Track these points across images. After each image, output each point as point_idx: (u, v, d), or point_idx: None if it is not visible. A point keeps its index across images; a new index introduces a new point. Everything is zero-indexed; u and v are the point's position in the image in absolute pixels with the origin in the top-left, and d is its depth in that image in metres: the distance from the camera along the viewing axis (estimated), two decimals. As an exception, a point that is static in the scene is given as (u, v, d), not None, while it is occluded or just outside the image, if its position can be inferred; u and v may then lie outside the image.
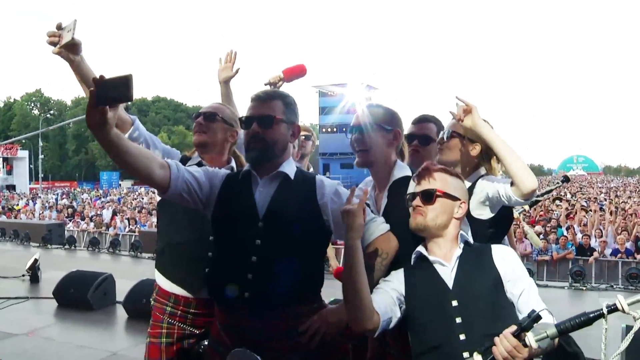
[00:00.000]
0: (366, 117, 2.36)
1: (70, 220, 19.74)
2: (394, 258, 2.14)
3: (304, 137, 3.81)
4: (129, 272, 9.83)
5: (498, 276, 1.93)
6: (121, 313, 6.99)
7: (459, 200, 2.05)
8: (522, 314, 1.88)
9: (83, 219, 19.89)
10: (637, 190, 35.08)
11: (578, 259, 11.23)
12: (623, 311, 1.56)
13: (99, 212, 21.73)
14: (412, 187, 2.12)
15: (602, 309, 1.58)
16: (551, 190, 3.16)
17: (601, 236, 12.26)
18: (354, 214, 1.88)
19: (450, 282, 1.95)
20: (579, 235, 12.36)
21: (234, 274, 2.05)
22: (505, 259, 1.97)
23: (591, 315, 1.58)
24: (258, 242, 2.04)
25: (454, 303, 1.90)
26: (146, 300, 6.64)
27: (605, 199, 23.62)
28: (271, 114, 2.10)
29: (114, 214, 20.74)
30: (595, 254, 11.37)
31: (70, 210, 22.77)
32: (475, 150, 2.31)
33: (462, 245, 2.04)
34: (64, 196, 37.32)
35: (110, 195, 37.61)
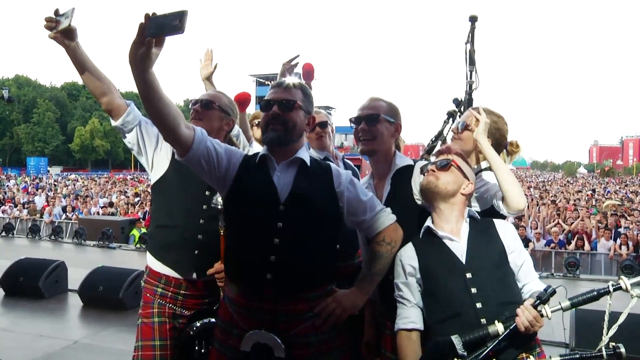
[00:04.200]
0: (372, 108, 2.49)
1: (-1, 207, 18.80)
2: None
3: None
4: (75, 259, 9.54)
5: (503, 248, 2.14)
6: (73, 301, 6.84)
7: (468, 180, 2.25)
8: (521, 282, 2.13)
9: (16, 205, 19.01)
10: (564, 184, 37.20)
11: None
12: (626, 290, 1.78)
13: (30, 199, 20.80)
14: (432, 160, 2.34)
15: (608, 287, 1.79)
16: (441, 133, 3.27)
17: (537, 228, 13.00)
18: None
19: (462, 257, 2.13)
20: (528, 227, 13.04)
21: (256, 255, 2.10)
22: (507, 232, 2.20)
23: (600, 291, 1.80)
24: (280, 224, 2.09)
25: (468, 275, 2.08)
26: (103, 288, 6.57)
27: (536, 193, 24.90)
28: (292, 99, 2.18)
29: (48, 201, 19.89)
30: (531, 245, 12.05)
31: (-1, 196, 21.68)
32: None
33: (468, 220, 2.22)
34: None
35: (39, 181, 35.89)
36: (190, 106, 2.78)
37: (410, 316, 2.17)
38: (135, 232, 12.78)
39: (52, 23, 2.33)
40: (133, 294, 6.52)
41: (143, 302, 2.69)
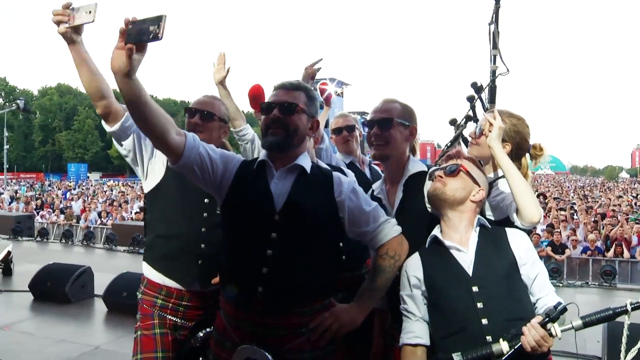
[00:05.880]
0: (385, 112, 2.37)
1: (38, 212, 19.30)
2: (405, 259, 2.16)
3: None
4: (104, 265, 9.66)
5: (514, 260, 1.98)
6: (99, 306, 6.89)
7: (479, 186, 2.10)
8: (534, 296, 1.96)
9: (53, 210, 19.48)
10: (604, 190, 36.05)
11: (551, 256, 11.46)
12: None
13: (68, 205, 21.29)
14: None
15: (626, 306, 1.63)
16: (457, 137, 3.08)
17: (574, 234, 12.56)
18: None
19: (469, 269, 1.99)
20: (565, 233, 12.63)
21: (248, 267, 2.00)
22: (520, 242, 2.03)
23: (616, 310, 1.64)
24: (274, 235, 1.99)
25: (475, 289, 1.93)
26: (127, 294, 6.58)
27: (574, 198, 24.22)
28: (294, 102, 2.07)
29: (85, 206, 20.31)
30: (568, 252, 11.64)
31: (39, 202, 22.28)
32: (505, 149, 2.33)
33: (477, 229, 2.07)
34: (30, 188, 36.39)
35: (77, 187, 36.79)
36: (186, 116, 2.67)
37: (415, 330, 2.04)
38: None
39: (63, 17, 2.17)
40: (156, 300, 6.51)
41: (141, 313, 2.60)
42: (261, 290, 1.96)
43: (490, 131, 2.22)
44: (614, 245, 11.80)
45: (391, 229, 2.13)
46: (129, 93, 1.77)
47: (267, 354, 1.93)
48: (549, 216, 14.93)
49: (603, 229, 13.29)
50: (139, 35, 1.63)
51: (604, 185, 45.11)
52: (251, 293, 1.97)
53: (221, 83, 3.31)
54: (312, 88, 2.27)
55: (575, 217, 15.18)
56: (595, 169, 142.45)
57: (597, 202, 22.01)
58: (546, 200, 18.89)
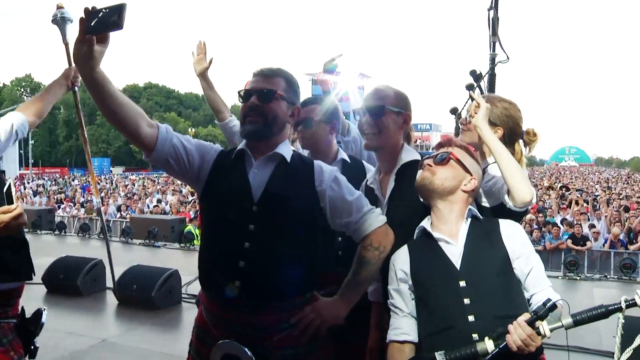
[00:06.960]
0: (377, 99, 2.27)
1: (59, 206, 19.55)
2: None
3: None
4: (119, 258, 9.66)
5: (506, 254, 1.86)
6: (111, 299, 6.90)
7: (471, 175, 1.99)
8: (529, 291, 1.86)
9: (74, 204, 19.72)
10: (629, 182, 35.27)
11: (571, 248, 11.21)
12: (642, 306, 1.49)
13: (89, 198, 21.52)
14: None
15: (620, 303, 1.52)
16: (459, 127, 3.02)
17: (594, 227, 12.27)
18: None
19: (457, 262, 1.88)
20: (586, 226, 12.36)
21: (224, 261, 1.94)
22: (513, 235, 1.91)
23: (609, 308, 1.53)
24: (252, 227, 1.92)
25: (462, 284, 1.82)
26: (136, 286, 6.59)
27: (598, 190, 23.75)
28: (273, 89, 1.99)
29: (103, 200, 20.50)
30: (589, 244, 11.37)
31: (61, 195, 22.58)
32: (497, 134, 2.23)
33: (469, 220, 1.96)
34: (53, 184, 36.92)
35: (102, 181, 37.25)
36: None
37: (402, 327, 1.94)
38: (191, 228, 12.85)
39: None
40: (166, 293, 6.54)
41: None
42: (239, 284, 1.88)
43: (476, 113, 2.12)
44: (638, 238, 11.50)
45: (375, 219, 2.03)
46: (93, 86, 1.71)
47: (245, 349, 1.87)
48: (570, 208, 14.64)
49: (626, 221, 12.96)
50: (99, 26, 1.59)
51: (629, 177, 44.12)
52: (228, 288, 1.90)
53: (202, 75, 3.14)
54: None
55: (597, 209, 14.86)
56: (621, 161, 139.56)
57: (622, 193, 21.52)
58: (568, 192, 18.55)
